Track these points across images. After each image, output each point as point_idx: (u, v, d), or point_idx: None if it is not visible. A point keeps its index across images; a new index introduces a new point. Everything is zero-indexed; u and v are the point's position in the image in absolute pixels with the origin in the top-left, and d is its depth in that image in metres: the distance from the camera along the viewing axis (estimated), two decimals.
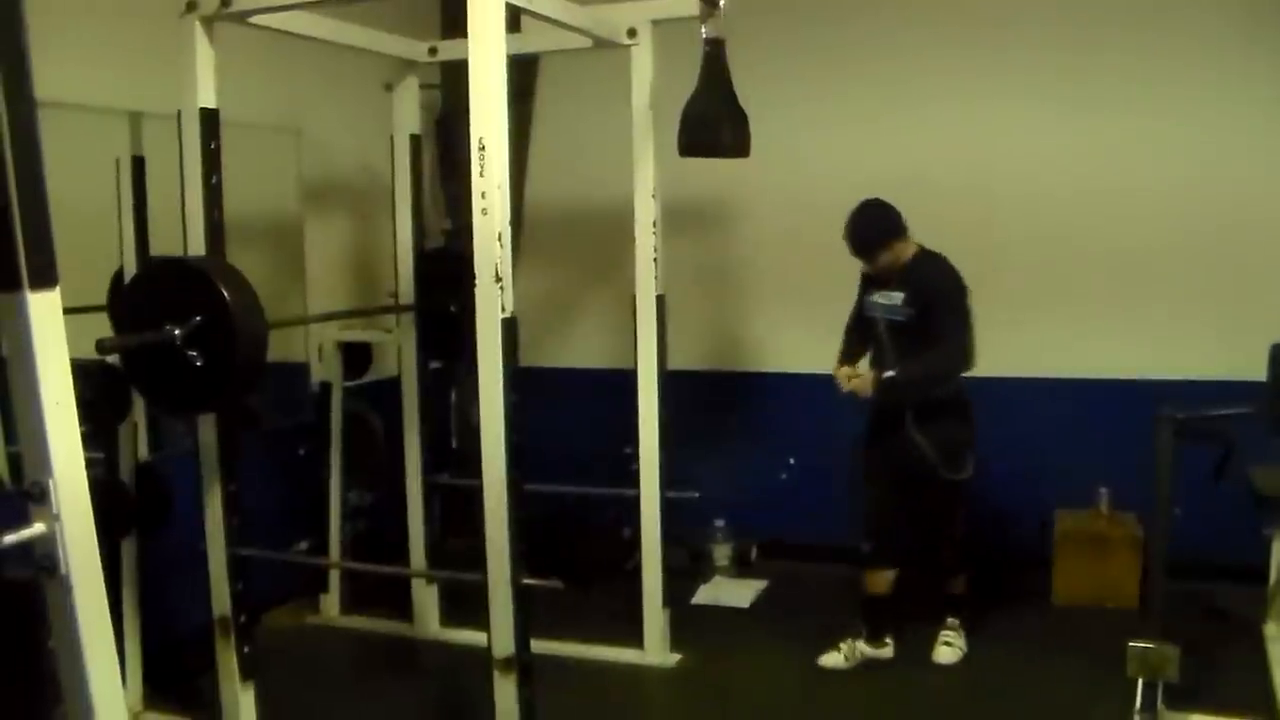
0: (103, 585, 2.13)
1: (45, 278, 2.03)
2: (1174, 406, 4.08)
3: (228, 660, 4.38)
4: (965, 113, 6.11)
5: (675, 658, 5.21)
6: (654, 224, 4.94)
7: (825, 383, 6.39)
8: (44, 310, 2.02)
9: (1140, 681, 4.09)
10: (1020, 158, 6.06)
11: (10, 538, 2.01)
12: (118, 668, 2.18)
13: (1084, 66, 5.95)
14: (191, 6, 4.09)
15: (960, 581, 5.29)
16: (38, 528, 2.02)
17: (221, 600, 4.36)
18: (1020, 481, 6.02)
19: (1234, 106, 5.80)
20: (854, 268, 6.30)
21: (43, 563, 2.04)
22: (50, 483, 2.02)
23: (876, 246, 4.99)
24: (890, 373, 4.92)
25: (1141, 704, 4.09)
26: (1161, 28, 5.86)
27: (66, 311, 2.05)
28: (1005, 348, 5.95)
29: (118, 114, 4.77)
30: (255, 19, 4.20)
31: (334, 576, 5.78)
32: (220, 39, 4.17)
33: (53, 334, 2.04)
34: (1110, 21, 5.91)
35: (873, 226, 4.99)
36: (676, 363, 5.19)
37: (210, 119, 4.17)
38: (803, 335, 6.46)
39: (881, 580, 5.12)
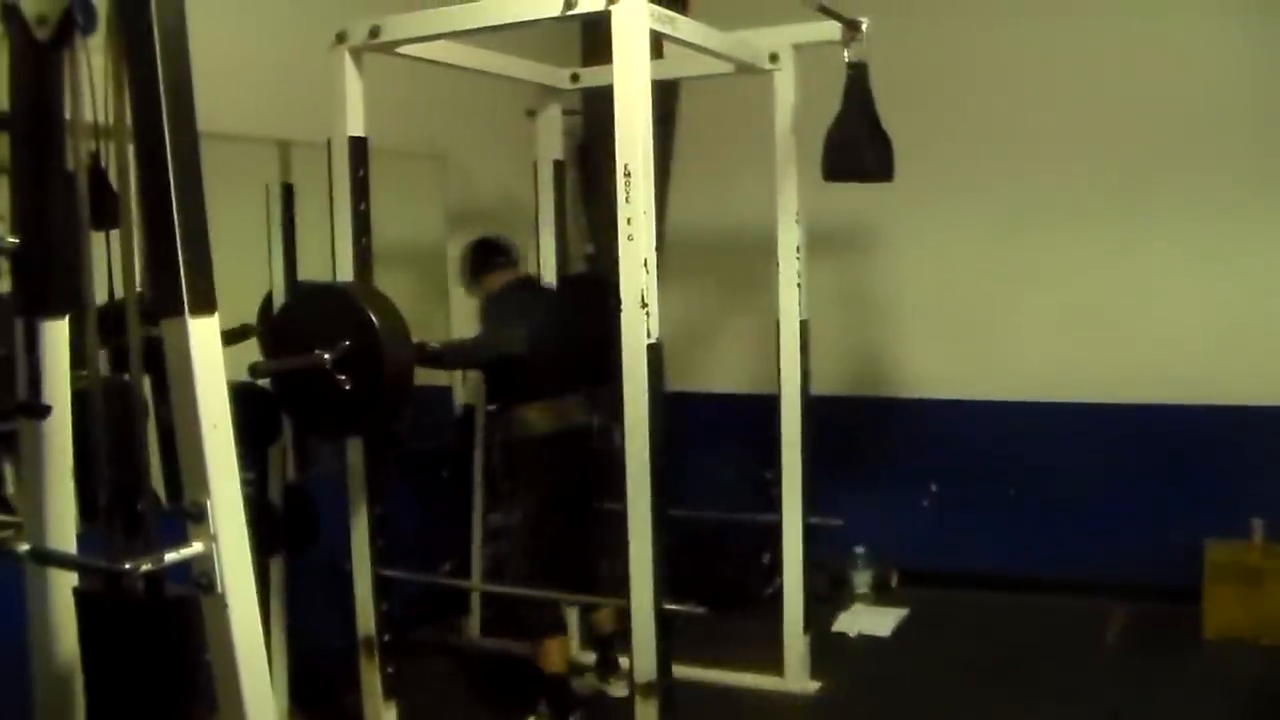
0: (256, 603, 2.17)
1: (205, 303, 2.08)
2: None
3: (371, 679, 4.44)
4: (1113, 136, 6.02)
5: (815, 685, 5.15)
6: (797, 249, 4.92)
7: (968, 409, 6.35)
8: (203, 335, 2.08)
9: None
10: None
11: (171, 556, 2.07)
12: (269, 681, 2.22)
13: None
14: (341, 38, 4.18)
15: None
16: (197, 547, 2.07)
17: (366, 620, 4.42)
18: (1167, 509, 5.90)
19: None
20: (1001, 292, 6.28)
21: (201, 580, 2.09)
22: (208, 503, 2.07)
23: None
24: None
25: None
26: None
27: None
28: (1154, 373, 5.87)
29: (268, 143, 4.88)
30: (402, 49, 4.27)
31: (475, 598, 5.83)
32: (367, 68, 4.26)
33: (211, 358, 2.09)
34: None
35: None
36: (817, 387, 5.15)
37: (359, 147, 4.26)
38: (947, 361, 6.41)
39: None
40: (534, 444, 4.73)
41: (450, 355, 4.93)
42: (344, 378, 3.79)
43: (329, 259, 4.36)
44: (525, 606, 4.86)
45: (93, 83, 2.27)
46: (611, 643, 5.09)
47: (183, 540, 2.09)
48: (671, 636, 3.80)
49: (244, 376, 3.80)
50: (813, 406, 5.06)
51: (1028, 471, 6.26)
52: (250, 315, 4.72)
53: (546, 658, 4.76)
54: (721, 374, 6.87)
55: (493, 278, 4.99)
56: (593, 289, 5.25)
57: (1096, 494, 6.11)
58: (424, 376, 4.51)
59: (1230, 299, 5.85)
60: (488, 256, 5.04)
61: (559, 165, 5.37)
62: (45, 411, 2.37)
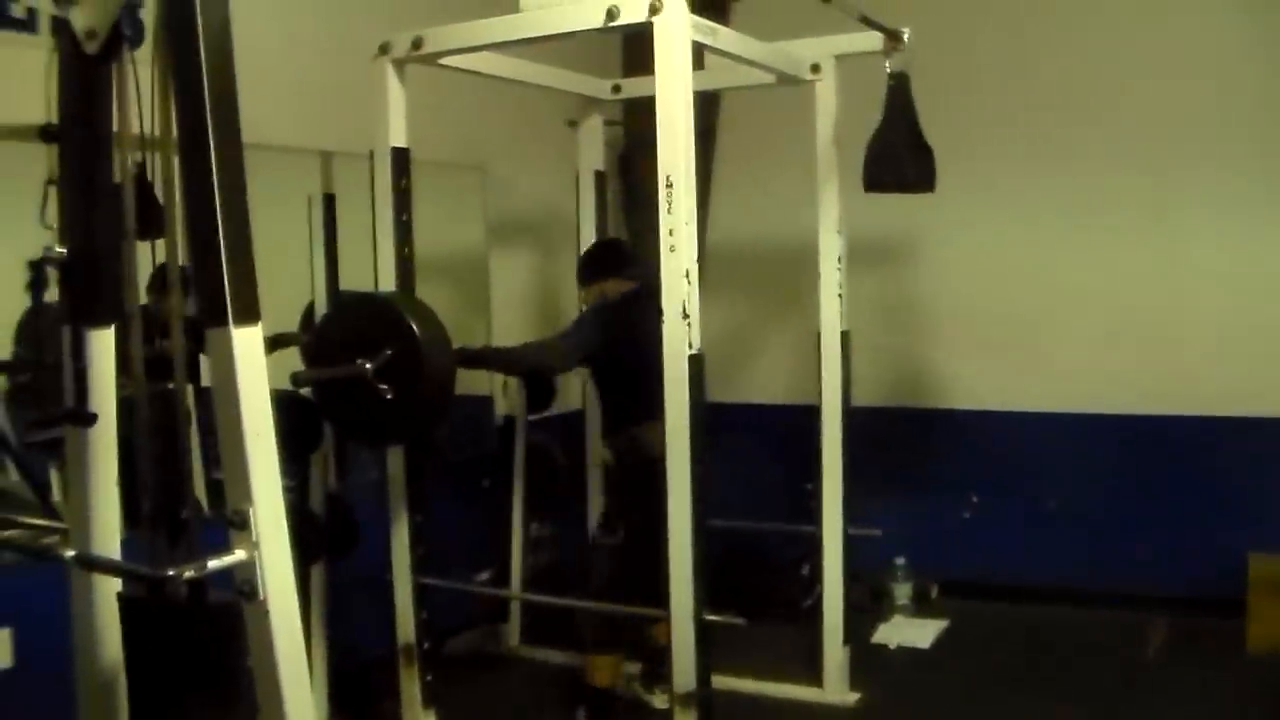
0: (297, 610, 2.18)
1: (248, 313, 2.10)
2: None
3: (410, 687, 4.46)
4: (1154, 143, 5.98)
5: (855, 696, 5.14)
6: (839, 260, 4.92)
7: (1009, 420, 6.31)
8: (247, 344, 2.09)
9: None
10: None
11: (214, 563, 2.08)
12: (309, 688, 2.23)
13: None
14: (384, 50, 4.21)
15: None
16: (239, 554, 2.09)
17: (406, 628, 4.44)
18: (1210, 521, 5.86)
19: None
20: (1041, 304, 6.25)
21: (243, 588, 2.11)
22: (251, 511, 2.09)
23: None
24: None
25: None
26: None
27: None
28: (1197, 384, 5.83)
29: (311, 154, 4.91)
30: (444, 60, 4.30)
31: (514, 607, 5.84)
32: (409, 80, 4.29)
33: (254, 367, 2.11)
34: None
35: None
36: (858, 398, 5.14)
37: (401, 158, 4.29)
38: (988, 372, 6.38)
39: None
40: (650, 464, 4.64)
41: (494, 358, 4.94)
42: (385, 386, 3.81)
43: (371, 269, 4.38)
44: (588, 620, 4.86)
45: (139, 95, 2.29)
46: (661, 655, 5.04)
47: (225, 547, 2.10)
48: (711, 647, 3.80)
49: (286, 385, 3.83)
50: (853, 417, 5.06)
51: (1069, 483, 6.22)
52: (293, 325, 4.75)
53: (598, 673, 4.79)
54: (762, 384, 6.86)
55: (610, 284, 4.92)
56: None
57: (1138, 506, 6.07)
58: (465, 385, 4.52)
59: (1274, 308, 5.81)
60: (612, 260, 5.00)
61: (600, 176, 5.39)
62: (91, 419, 2.40)
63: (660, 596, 4.74)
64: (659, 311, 4.81)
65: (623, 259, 5.01)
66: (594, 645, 4.82)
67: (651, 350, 4.53)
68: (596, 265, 5.00)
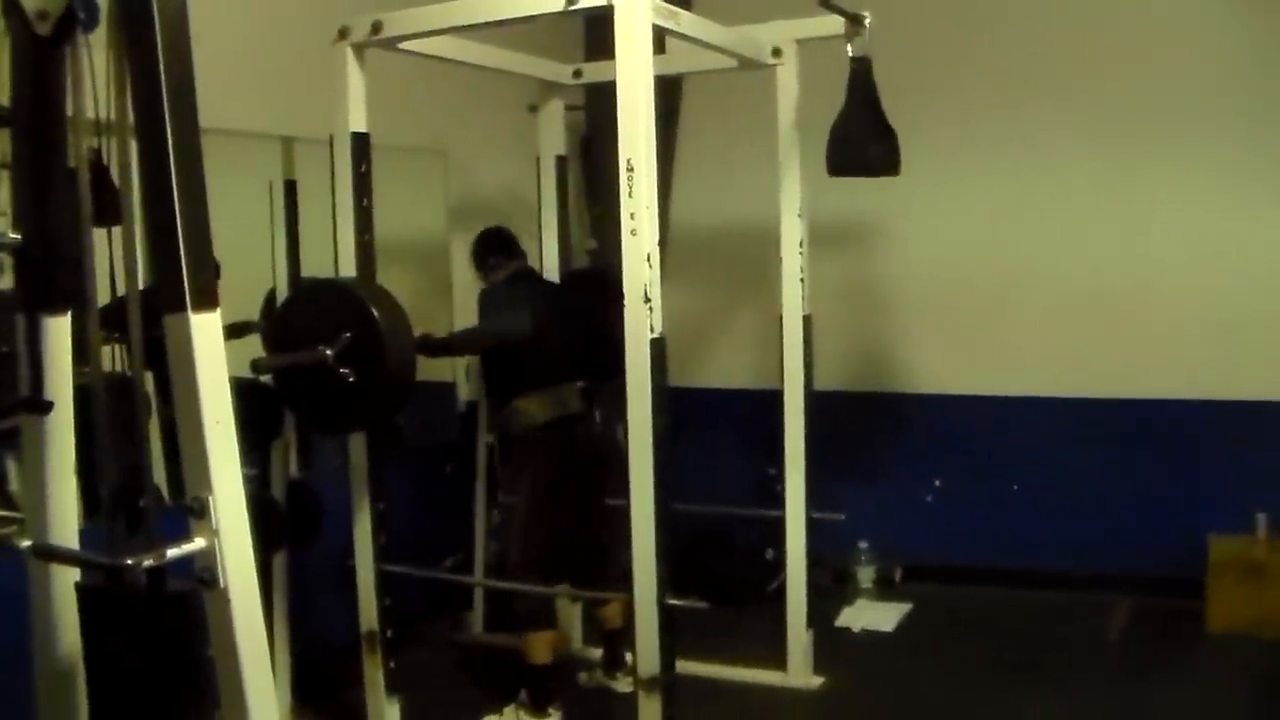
0: (259, 598, 2.17)
1: (207, 299, 2.08)
2: None
3: (374, 674, 4.44)
4: (1115, 127, 6.00)
5: (819, 680, 5.16)
6: (800, 244, 4.92)
7: (971, 404, 6.33)
8: (205, 331, 2.08)
9: None
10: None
11: (173, 551, 2.07)
12: (271, 677, 2.22)
13: None
14: (344, 34, 4.18)
15: None
16: (199, 542, 2.07)
17: (369, 615, 4.42)
18: (1171, 503, 5.90)
19: None
20: (1003, 287, 6.27)
21: (203, 575, 2.09)
22: (210, 499, 2.07)
23: None
24: None
25: None
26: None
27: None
28: (1158, 367, 5.87)
29: (271, 139, 4.88)
30: (404, 44, 4.27)
31: (478, 594, 5.83)
32: (369, 64, 4.26)
33: (213, 354, 2.09)
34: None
35: None
36: (820, 382, 5.14)
37: (361, 143, 4.26)
38: (950, 356, 6.40)
39: None
40: (533, 434, 4.73)
41: (458, 341, 5.01)
42: (346, 372, 3.79)
43: (332, 255, 4.36)
44: (517, 598, 4.88)
45: (94, 78, 2.27)
46: (619, 638, 5.08)
47: (185, 536, 2.09)
48: (675, 632, 3.80)
49: (246, 372, 3.80)
50: (816, 401, 5.06)
51: (1031, 466, 6.26)
52: (253, 311, 4.72)
53: (531, 650, 4.78)
54: (725, 369, 6.86)
55: (496, 270, 4.99)
56: (596, 284, 5.23)
57: (1100, 489, 6.10)
58: (427, 371, 4.51)
59: (1235, 292, 5.84)
60: (493, 248, 5.03)
61: (561, 160, 5.37)
62: (47, 407, 2.37)
63: (584, 563, 4.81)
64: (553, 291, 5.04)
65: (498, 245, 5.07)
66: (527, 622, 4.83)
67: (537, 327, 4.63)
68: (482, 255, 5.06)
